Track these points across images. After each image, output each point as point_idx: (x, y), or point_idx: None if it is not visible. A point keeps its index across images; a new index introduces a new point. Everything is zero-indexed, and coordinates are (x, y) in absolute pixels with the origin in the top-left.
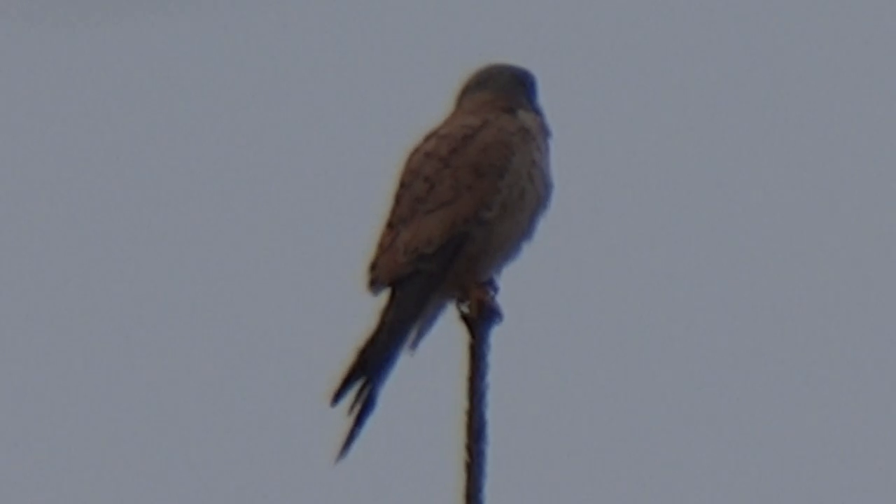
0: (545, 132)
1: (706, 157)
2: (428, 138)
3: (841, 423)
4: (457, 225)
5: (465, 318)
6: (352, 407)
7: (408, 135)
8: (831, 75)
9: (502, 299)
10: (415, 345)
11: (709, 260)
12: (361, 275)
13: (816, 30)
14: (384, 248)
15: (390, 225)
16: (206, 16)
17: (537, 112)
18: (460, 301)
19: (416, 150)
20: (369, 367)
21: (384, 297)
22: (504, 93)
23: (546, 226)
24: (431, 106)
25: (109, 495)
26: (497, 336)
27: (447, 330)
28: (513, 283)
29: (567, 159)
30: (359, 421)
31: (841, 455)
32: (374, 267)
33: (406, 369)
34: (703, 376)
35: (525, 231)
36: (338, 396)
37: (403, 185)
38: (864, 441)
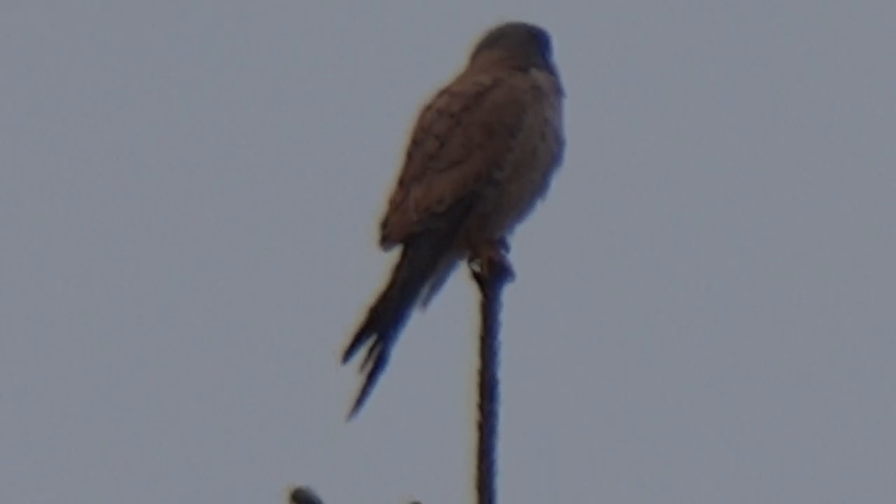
0: (558, 91)
1: (718, 119)
2: (440, 95)
3: (851, 427)
4: (468, 184)
5: (476, 277)
6: (363, 365)
7: (421, 90)
8: (835, 76)
9: (514, 257)
10: (426, 303)
11: (721, 223)
12: (372, 231)
13: (822, 30)
14: (395, 205)
15: (401, 182)
16: None
17: (551, 71)
18: (472, 259)
19: (428, 107)
20: (380, 324)
21: (395, 254)
22: (518, 51)
23: (559, 184)
24: (445, 61)
25: (118, 457)
26: (508, 294)
27: (458, 288)
28: (524, 241)
29: (581, 119)
30: (370, 379)
31: (845, 456)
32: (385, 224)
33: (417, 327)
34: (711, 340)
35: (538, 190)
36: (349, 354)
37: (415, 142)
38: (864, 441)
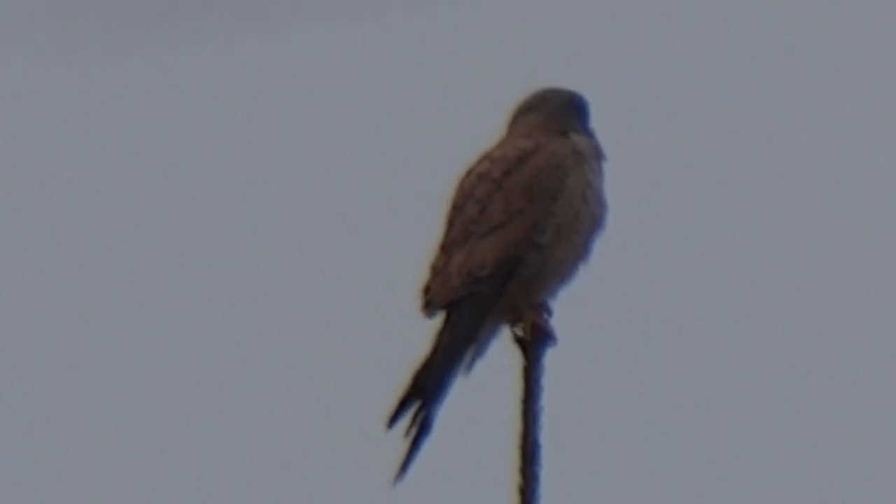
0: (599, 154)
1: (755, 181)
2: (481, 160)
3: (861, 431)
4: (510, 248)
5: (519, 341)
6: (408, 430)
7: (460, 158)
8: (836, 77)
9: (556, 322)
10: (469, 367)
11: (769, 291)
12: (416, 298)
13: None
14: (438, 270)
15: (443, 247)
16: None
17: (590, 135)
18: (514, 324)
19: (469, 172)
20: (425, 390)
21: (439, 320)
22: (557, 116)
23: (601, 248)
24: (483, 130)
25: None
26: (551, 359)
27: (501, 353)
28: (567, 306)
29: (621, 182)
30: (415, 444)
31: (854, 459)
32: (427, 290)
33: (461, 392)
34: (759, 411)
35: (580, 254)
36: (394, 419)
37: (455, 208)
38: (865, 442)
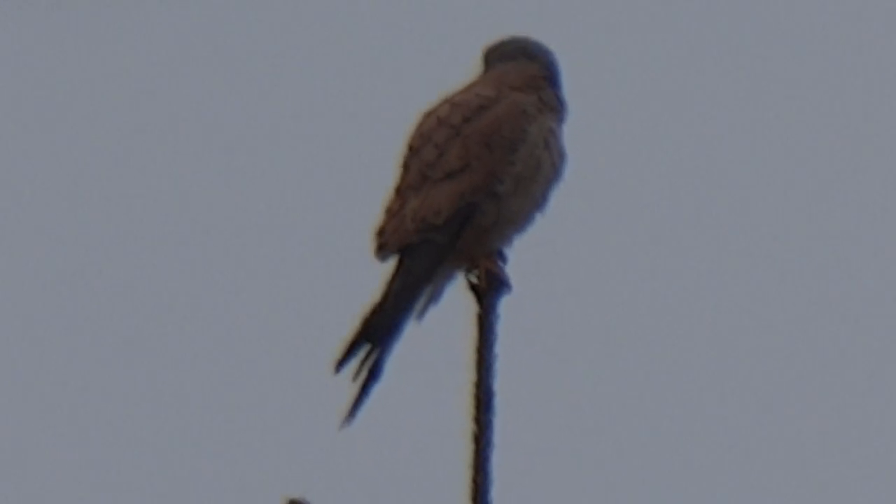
0: (563, 105)
1: (720, 134)
2: (442, 104)
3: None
4: (466, 196)
5: (473, 288)
6: (357, 375)
7: (422, 96)
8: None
9: (511, 269)
10: (422, 314)
11: (723, 239)
12: (368, 240)
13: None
14: (392, 213)
15: (398, 190)
16: None
17: (560, 99)
18: (469, 270)
19: (429, 114)
20: (375, 335)
21: (391, 263)
22: (533, 73)
23: (559, 197)
24: (453, 67)
25: (111, 463)
26: (505, 306)
27: (455, 299)
28: (522, 253)
29: (582, 132)
30: (364, 389)
31: (847, 459)
32: (381, 233)
33: (414, 339)
34: (712, 353)
35: (538, 204)
36: (342, 364)
37: (412, 150)
38: (866, 442)
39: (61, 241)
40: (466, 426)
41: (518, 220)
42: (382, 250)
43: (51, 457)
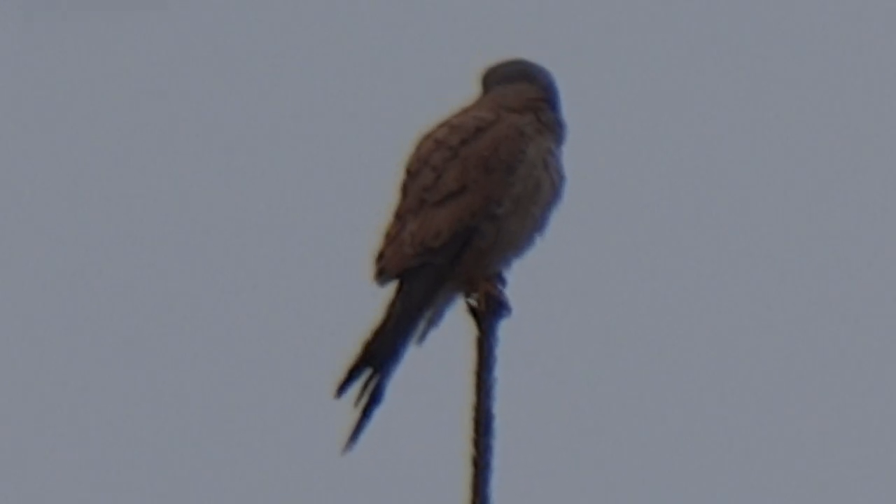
0: (561, 127)
1: (718, 155)
2: (440, 126)
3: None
4: (465, 219)
5: (472, 311)
6: (358, 399)
7: (420, 123)
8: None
9: (511, 292)
10: (422, 337)
11: (722, 261)
12: (368, 265)
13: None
14: (391, 238)
15: (398, 214)
16: None
17: (560, 122)
18: (468, 294)
19: (427, 137)
20: (376, 359)
21: (391, 288)
22: (532, 97)
23: (558, 219)
24: (448, 94)
25: (109, 490)
26: (505, 330)
27: (455, 323)
28: (521, 276)
29: (581, 154)
30: (365, 413)
31: (847, 459)
32: (380, 257)
33: (413, 362)
34: (712, 376)
35: (537, 225)
36: (343, 388)
37: (410, 173)
38: (866, 442)
39: (61, 243)
40: (466, 449)
41: (517, 241)
42: (382, 275)
43: (46, 461)
